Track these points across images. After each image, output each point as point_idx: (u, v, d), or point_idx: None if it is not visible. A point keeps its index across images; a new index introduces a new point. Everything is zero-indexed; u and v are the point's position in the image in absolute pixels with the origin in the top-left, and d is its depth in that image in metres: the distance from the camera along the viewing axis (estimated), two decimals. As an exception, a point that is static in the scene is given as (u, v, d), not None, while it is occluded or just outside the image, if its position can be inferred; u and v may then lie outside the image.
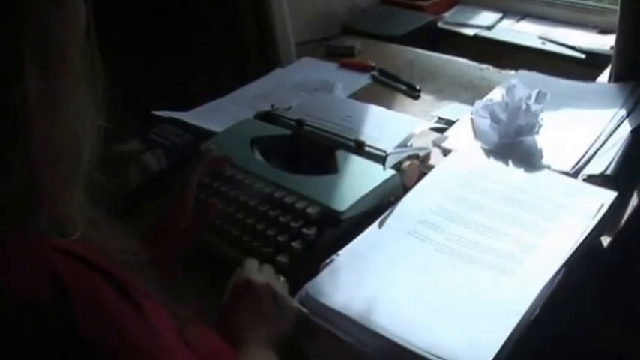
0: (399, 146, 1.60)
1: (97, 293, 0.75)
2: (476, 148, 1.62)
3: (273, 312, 1.20)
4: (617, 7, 1.83)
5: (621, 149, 1.55)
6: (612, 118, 1.67)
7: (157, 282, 0.86)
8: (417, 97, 2.03)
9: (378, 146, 1.58)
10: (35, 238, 0.75)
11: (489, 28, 2.65)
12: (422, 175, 1.55)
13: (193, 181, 1.42)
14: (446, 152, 1.66)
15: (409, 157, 1.55)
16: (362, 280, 1.29)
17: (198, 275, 1.41)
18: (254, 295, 1.20)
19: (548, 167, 1.53)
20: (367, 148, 1.59)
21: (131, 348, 0.76)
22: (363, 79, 2.18)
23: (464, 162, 1.58)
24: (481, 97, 1.79)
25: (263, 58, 2.44)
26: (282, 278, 1.28)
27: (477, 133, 1.63)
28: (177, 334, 0.86)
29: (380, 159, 1.54)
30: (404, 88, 2.07)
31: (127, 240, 0.90)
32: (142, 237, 1.35)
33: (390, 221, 1.42)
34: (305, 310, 1.24)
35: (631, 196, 1.51)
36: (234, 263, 1.30)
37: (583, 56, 2.31)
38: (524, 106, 1.57)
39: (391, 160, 1.52)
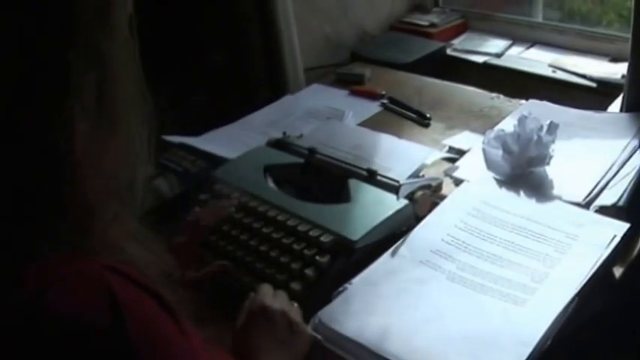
0: (411, 176, 1.61)
1: (148, 312, 0.77)
2: (487, 178, 1.63)
3: (287, 338, 1.21)
4: (628, 35, 1.83)
5: (634, 180, 1.55)
6: (625, 149, 1.67)
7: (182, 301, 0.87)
8: (427, 126, 2.04)
9: (391, 176, 1.59)
10: (90, 259, 0.78)
11: (498, 55, 2.65)
12: (434, 204, 1.56)
13: (200, 234, 1.47)
14: (457, 182, 1.67)
15: (422, 187, 1.56)
16: (374, 308, 1.30)
17: (213, 300, 1.41)
18: (268, 321, 1.21)
19: (560, 198, 1.54)
20: (379, 178, 1.60)
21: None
22: (373, 107, 2.19)
23: (475, 192, 1.59)
24: (491, 126, 1.80)
25: (272, 84, 2.45)
26: (295, 304, 1.29)
27: (489, 164, 1.63)
28: (209, 356, 0.88)
29: (392, 188, 1.55)
30: (414, 116, 2.08)
31: (163, 258, 0.91)
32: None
33: (402, 250, 1.43)
34: (318, 336, 1.25)
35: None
36: (248, 289, 1.31)
37: (594, 85, 2.31)
38: (535, 137, 1.57)
39: (404, 190, 1.52)
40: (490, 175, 1.63)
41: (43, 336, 0.72)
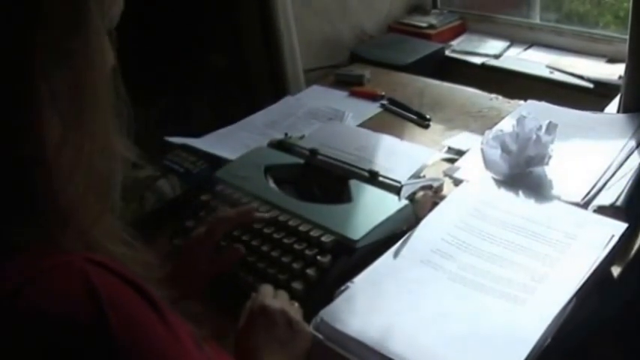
0: (412, 177, 1.62)
1: (129, 303, 0.77)
2: (487, 178, 1.64)
3: (287, 337, 1.21)
4: (625, 37, 1.83)
5: (631, 180, 1.56)
6: (622, 149, 1.68)
7: (173, 300, 0.87)
8: (426, 127, 2.05)
9: (392, 176, 1.60)
10: (70, 252, 0.77)
11: (497, 56, 2.66)
12: (435, 205, 1.57)
13: (218, 231, 1.45)
14: (457, 182, 1.68)
15: (423, 188, 1.57)
16: (376, 308, 1.31)
17: (214, 300, 1.42)
18: (269, 320, 1.21)
19: (559, 198, 1.54)
20: (381, 178, 1.61)
21: (160, 355, 0.78)
22: (372, 108, 2.20)
23: (475, 192, 1.60)
24: (490, 126, 1.80)
25: (272, 85, 2.46)
26: (296, 304, 1.30)
27: (487, 164, 1.64)
28: (198, 350, 0.88)
29: (393, 189, 1.56)
30: (413, 117, 2.09)
31: (146, 256, 0.91)
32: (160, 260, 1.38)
33: (403, 250, 1.44)
34: (320, 335, 1.25)
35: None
36: (250, 289, 1.32)
37: (591, 85, 2.32)
38: (534, 137, 1.58)
39: (406, 191, 1.53)
40: (489, 175, 1.64)
41: (23, 331, 0.71)
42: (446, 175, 1.71)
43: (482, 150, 1.65)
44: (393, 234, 1.48)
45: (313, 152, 1.74)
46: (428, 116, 2.07)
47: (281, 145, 1.83)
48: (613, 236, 1.39)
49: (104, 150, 0.83)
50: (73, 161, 0.79)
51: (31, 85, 0.76)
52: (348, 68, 2.52)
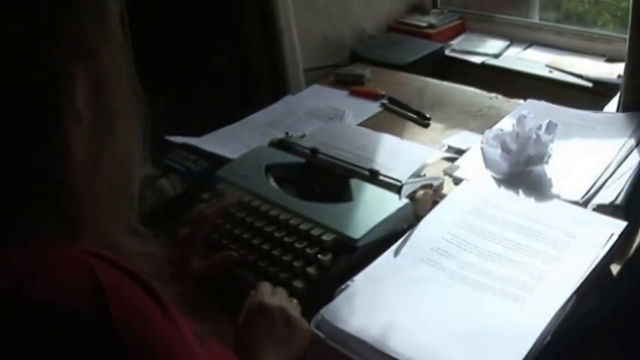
0: (412, 176, 1.62)
1: (132, 297, 0.77)
2: (486, 177, 1.64)
3: (286, 334, 1.22)
4: (624, 36, 1.84)
5: (631, 179, 1.56)
6: (621, 148, 1.68)
7: (174, 296, 0.88)
8: (426, 126, 2.05)
9: (392, 175, 1.61)
10: (77, 245, 0.78)
11: (496, 56, 2.67)
12: (435, 203, 1.57)
13: (205, 224, 1.47)
14: (457, 181, 1.69)
15: (423, 187, 1.57)
16: (377, 306, 1.31)
17: (214, 298, 1.42)
18: (268, 318, 1.22)
19: (558, 196, 1.55)
20: (381, 177, 1.61)
21: (163, 349, 0.78)
22: (373, 107, 2.20)
23: (475, 191, 1.60)
24: (490, 125, 1.81)
25: (272, 84, 2.46)
26: (294, 301, 1.30)
27: (488, 162, 1.64)
28: (200, 345, 0.88)
29: (393, 187, 1.56)
30: (414, 116, 2.09)
31: (157, 253, 0.92)
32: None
33: (404, 249, 1.44)
34: (320, 334, 1.26)
35: (641, 225, 1.52)
36: (250, 287, 1.33)
37: (590, 85, 2.33)
38: (534, 136, 1.58)
39: (406, 190, 1.54)
40: (489, 173, 1.65)
41: (27, 321, 0.71)
42: (446, 174, 1.72)
43: (482, 149, 1.65)
44: (393, 233, 1.49)
45: (314, 151, 1.75)
46: (428, 115, 2.07)
47: (282, 145, 1.83)
48: (612, 235, 1.39)
49: (123, 147, 0.85)
50: (94, 156, 0.81)
51: (55, 88, 0.76)
52: (348, 68, 2.53)
